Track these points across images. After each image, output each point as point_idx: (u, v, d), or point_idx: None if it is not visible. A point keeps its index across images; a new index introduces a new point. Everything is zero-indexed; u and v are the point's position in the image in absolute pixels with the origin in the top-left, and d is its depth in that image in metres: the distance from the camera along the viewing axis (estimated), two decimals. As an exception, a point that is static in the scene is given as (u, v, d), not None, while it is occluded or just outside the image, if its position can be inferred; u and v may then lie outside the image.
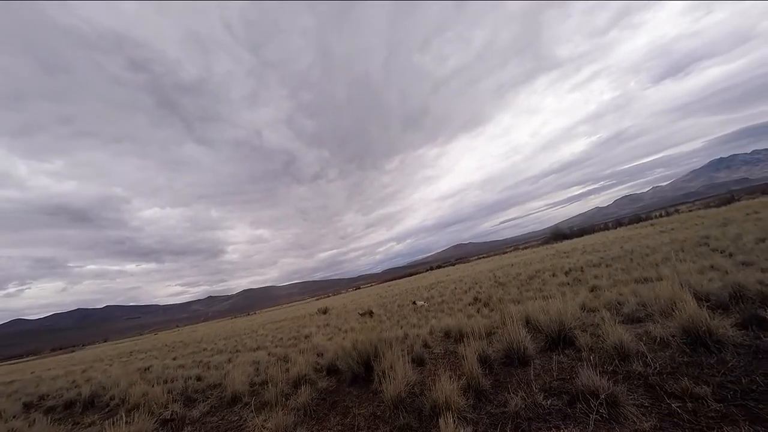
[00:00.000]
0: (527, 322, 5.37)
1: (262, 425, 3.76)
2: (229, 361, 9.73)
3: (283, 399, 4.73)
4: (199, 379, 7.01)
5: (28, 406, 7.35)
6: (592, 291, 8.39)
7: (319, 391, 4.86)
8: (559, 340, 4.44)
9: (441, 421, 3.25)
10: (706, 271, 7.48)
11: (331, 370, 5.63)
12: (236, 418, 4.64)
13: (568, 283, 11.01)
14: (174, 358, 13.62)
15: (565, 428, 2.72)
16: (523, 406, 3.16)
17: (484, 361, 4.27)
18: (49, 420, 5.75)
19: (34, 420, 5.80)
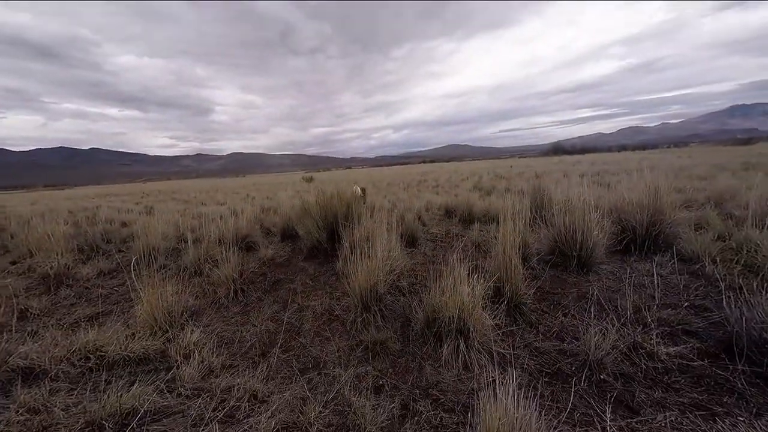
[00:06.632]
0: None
1: (149, 302, 2.22)
2: (185, 212, 8.33)
3: (209, 267, 3.23)
4: (124, 225, 5.55)
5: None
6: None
7: (260, 261, 3.37)
8: (646, 238, 2.76)
9: (446, 348, 1.75)
10: None
11: (288, 235, 4.09)
12: (141, 286, 3.16)
13: (594, 184, 9.30)
14: (136, 203, 12.50)
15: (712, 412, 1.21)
16: (609, 346, 1.61)
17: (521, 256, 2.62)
18: None
19: None
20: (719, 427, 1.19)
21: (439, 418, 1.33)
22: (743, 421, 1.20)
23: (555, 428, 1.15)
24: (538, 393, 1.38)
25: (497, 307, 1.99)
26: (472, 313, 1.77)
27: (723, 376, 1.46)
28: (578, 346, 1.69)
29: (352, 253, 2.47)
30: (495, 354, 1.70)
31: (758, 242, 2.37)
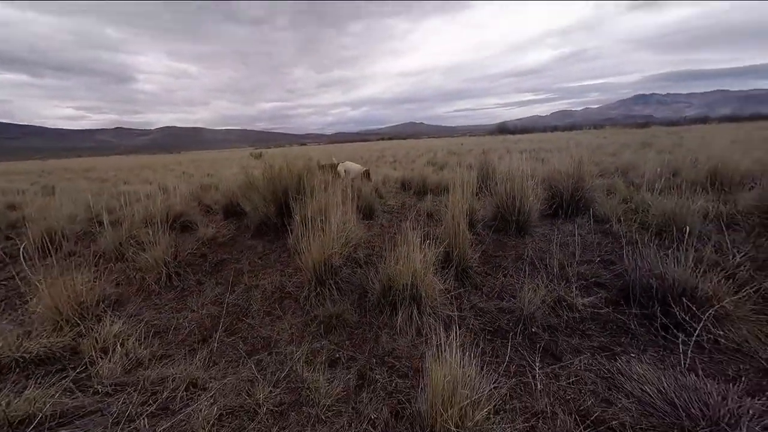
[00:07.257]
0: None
1: (50, 294, 1.84)
2: (99, 192, 7.05)
3: (134, 250, 2.79)
4: (12, 207, 4.51)
5: None
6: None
7: (199, 242, 3.03)
8: (571, 202, 3.12)
9: (400, 316, 1.79)
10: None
11: (231, 212, 3.74)
12: (39, 277, 2.61)
13: (531, 159, 10.25)
14: (31, 183, 10.21)
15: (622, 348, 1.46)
16: (539, 301, 1.81)
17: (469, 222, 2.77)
18: None
19: None
20: (618, 365, 1.42)
21: (394, 384, 1.37)
22: (634, 357, 1.46)
23: (494, 381, 1.26)
24: (480, 350, 1.50)
25: (447, 272, 2.08)
26: (424, 278, 1.82)
27: (621, 320, 1.75)
28: (515, 304, 1.86)
29: (304, 227, 2.34)
30: (444, 317, 1.80)
31: (650, 203, 2.84)
